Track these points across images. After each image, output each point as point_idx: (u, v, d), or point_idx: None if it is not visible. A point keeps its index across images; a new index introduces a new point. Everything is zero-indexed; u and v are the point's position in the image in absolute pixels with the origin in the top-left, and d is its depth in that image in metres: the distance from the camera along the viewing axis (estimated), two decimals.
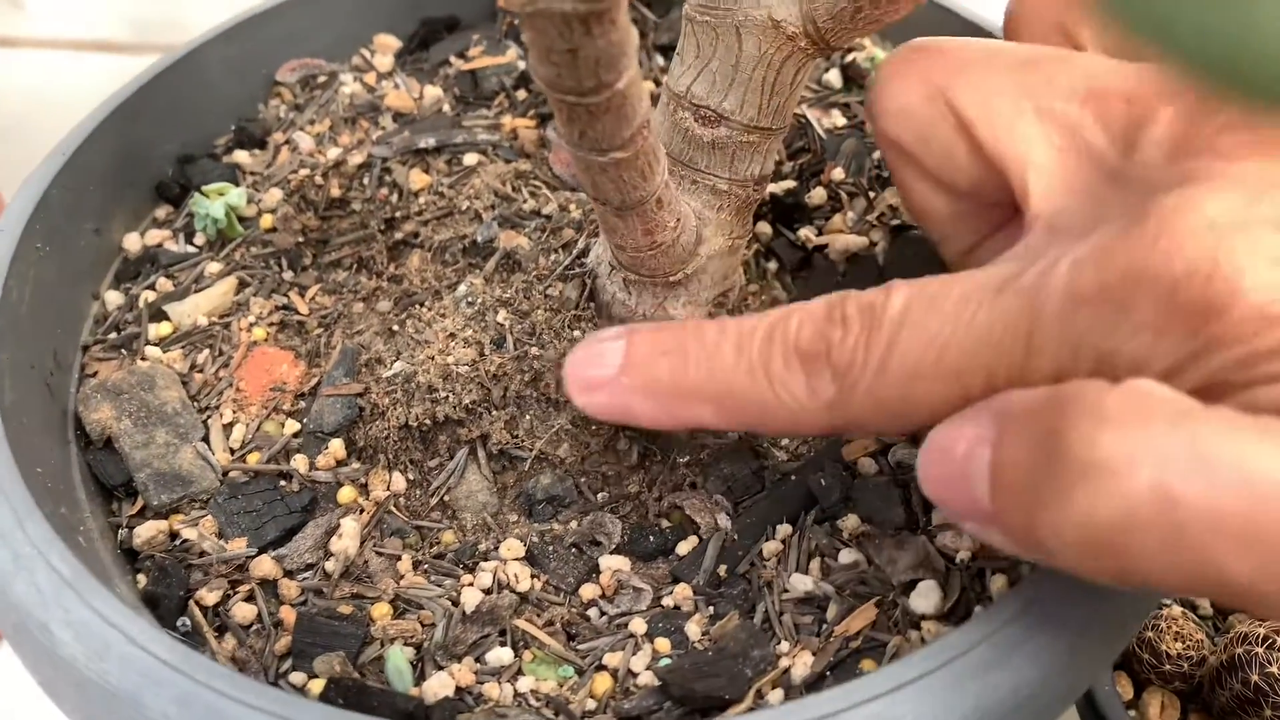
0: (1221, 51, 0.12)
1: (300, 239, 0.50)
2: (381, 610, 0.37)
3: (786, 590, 0.37)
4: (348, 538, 0.39)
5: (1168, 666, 0.46)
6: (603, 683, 0.35)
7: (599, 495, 0.41)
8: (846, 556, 0.37)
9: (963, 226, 0.38)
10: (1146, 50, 0.13)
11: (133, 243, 0.50)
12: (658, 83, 0.53)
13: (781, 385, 0.31)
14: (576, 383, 0.35)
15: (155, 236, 0.50)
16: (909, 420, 0.30)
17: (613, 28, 0.26)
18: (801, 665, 0.34)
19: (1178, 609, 0.47)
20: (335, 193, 0.51)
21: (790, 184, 0.47)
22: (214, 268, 0.49)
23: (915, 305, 0.29)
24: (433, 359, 0.42)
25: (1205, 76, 0.12)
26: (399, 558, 0.39)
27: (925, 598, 0.35)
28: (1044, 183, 0.32)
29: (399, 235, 0.50)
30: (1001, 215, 0.37)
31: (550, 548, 0.39)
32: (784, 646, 0.35)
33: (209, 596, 0.37)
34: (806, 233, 0.46)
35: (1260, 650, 0.42)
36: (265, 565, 0.38)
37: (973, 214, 0.37)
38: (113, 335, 0.46)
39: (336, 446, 0.42)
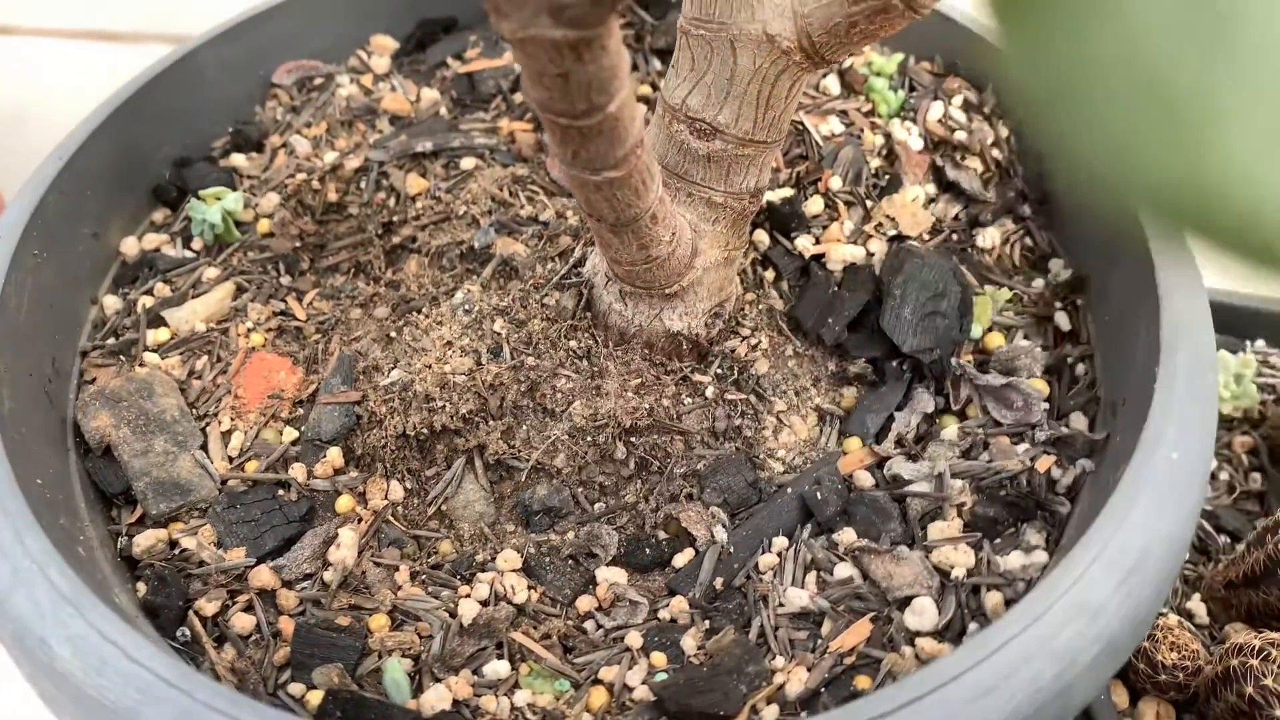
0: (1176, 193, 0.11)
1: (297, 244, 0.50)
2: (379, 622, 0.37)
3: (782, 605, 0.37)
4: (346, 548, 0.39)
5: (1163, 676, 0.46)
6: (599, 697, 0.35)
7: (596, 506, 0.41)
8: (842, 571, 0.37)
9: None
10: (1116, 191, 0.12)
11: (130, 247, 0.50)
12: (655, 87, 0.53)
13: None
14: None
15: (153, 241, 0.50)
16: None
17: (603, 53, 0.26)
18: (796, 681, 0.34)
19: (1174, 619, 0.47)
20: (332, 197, 0.51)
21: (788, 192, 0.47)
22: (211, 273, 0.49)
23: None
24: (430, 367, 0.42)
25: (1168, 217, 0.12)
26: (397, 568, 0.40)
27: (920, 615, 0.35)
28: None
29: (396, 240, 0.50)
30: None
31: (547, 559, 0.40)
32: (779, 662, 0.35)
33: (208, 606, 0.38)
34: (804, 242, 0.46)
35: (1255, 662, 0.42)
36: (264, 575, 0.38)
37: None
38: (111, 341, 0.46)
39: (335, 455, 0.42)
